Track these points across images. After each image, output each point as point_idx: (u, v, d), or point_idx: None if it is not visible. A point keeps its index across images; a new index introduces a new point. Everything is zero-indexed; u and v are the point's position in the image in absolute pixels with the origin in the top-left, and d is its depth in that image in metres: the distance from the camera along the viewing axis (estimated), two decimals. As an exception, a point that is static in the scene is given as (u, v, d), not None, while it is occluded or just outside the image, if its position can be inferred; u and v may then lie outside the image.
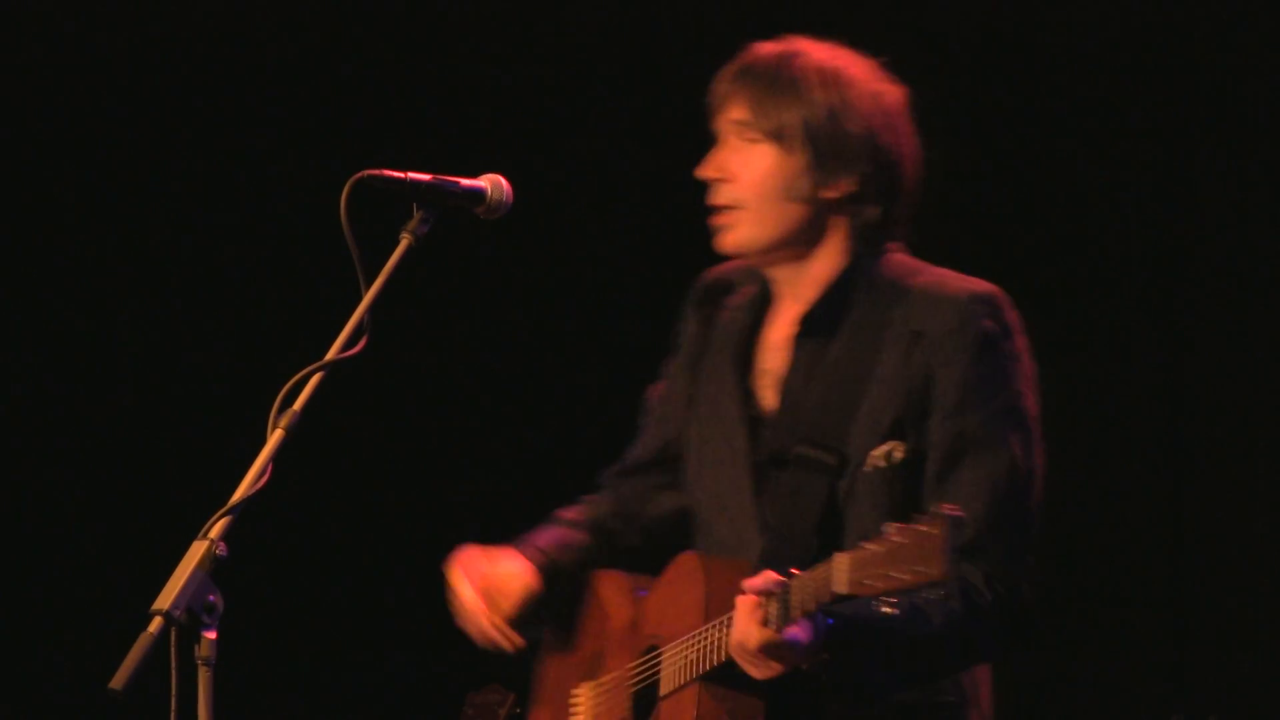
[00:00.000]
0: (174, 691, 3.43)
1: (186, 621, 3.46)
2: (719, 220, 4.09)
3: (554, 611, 4.29)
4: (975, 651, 3.91)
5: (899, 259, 4.10)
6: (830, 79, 4.05)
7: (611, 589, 4.23)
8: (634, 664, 4.05)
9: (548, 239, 6.67)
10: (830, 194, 4.05)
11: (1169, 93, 6.55)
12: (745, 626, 3.69)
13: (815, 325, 4.05)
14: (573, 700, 4.19)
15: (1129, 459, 6.57)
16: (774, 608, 3.66)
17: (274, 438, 3.71)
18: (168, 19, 6.95)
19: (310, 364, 3.80)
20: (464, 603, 4.23)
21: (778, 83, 4.03)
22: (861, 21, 6.75)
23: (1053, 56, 6.63)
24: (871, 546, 3.55)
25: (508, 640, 4.23)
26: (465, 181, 4.03)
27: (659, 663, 3.97)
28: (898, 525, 3.51)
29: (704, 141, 6.92)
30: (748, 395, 4.11)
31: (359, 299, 3.85)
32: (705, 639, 3.85)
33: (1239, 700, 6.36)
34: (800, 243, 4.07)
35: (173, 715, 3.45)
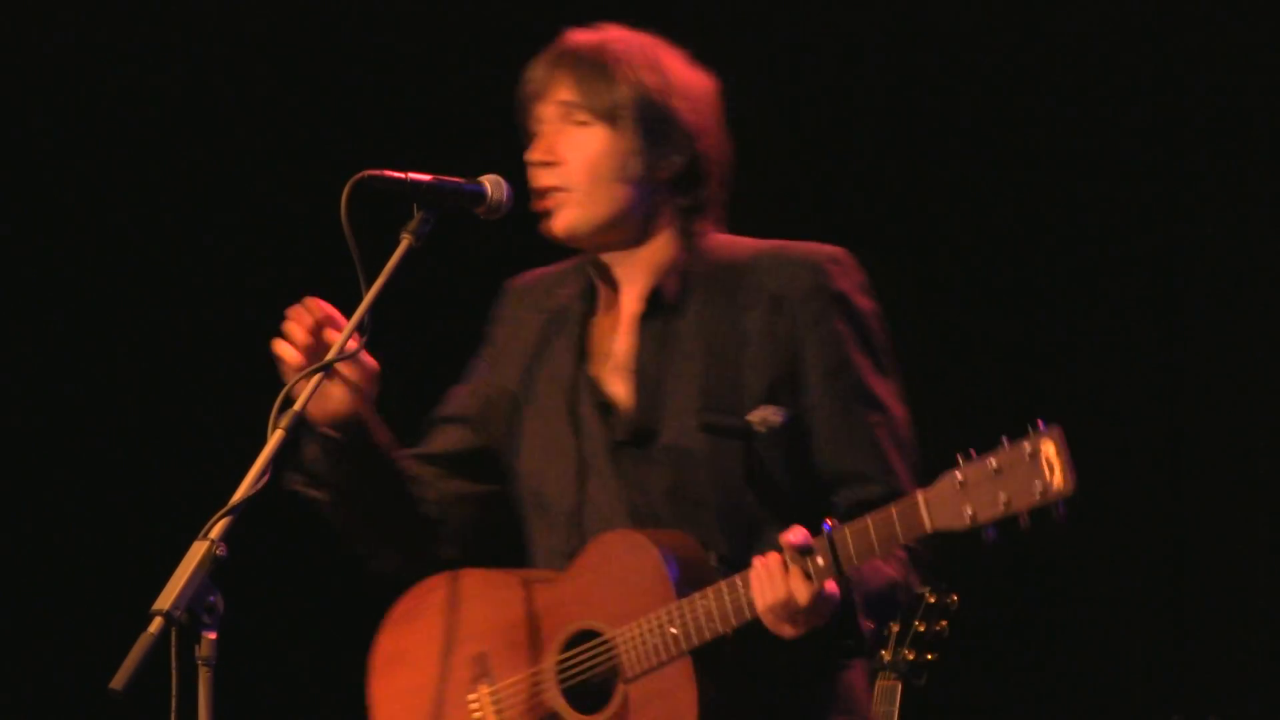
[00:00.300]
0: (174, 692, 3.43)
1: (187, 622, 3.46)
2: (548, 204, 4.06)
3: (331, 469, 4.12)
4: (905, 600, 3.96)
5: (724, 236, 4.13)
6: (652, 62, 4.08)
7: (475, 586, 4.12)
8: (559, 657, 3.96)
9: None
10: (661, 174, 4.06)
11: (1169, 93, 6.55)
12: (790, 584, 3.69)
13: (661, 304, 4.06)
14: (472, 707, 4.06)
15: (1129, 459, 6.57)
16: (819, 561, 3.68)
17: (274, 438, 3.71)
18: (168, 19, 6.96)
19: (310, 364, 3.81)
20: (314, 314, 4.05)
21: (604, 65, 4.05)
22: (877, 15, 6.77)
23: (1052, 56, 6.64)
24: (948, 481, 3.58)
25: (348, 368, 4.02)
26: (466, 182, 4.04)
27: (611, 648, 3.90)
28: (970, 455, 3.57)
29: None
30: (592, 384, 4.10)
31: (359, 299, 3.86)
32: (692, 611, 3.81)
33: (1239, 700, 6.36)
34: (631, 224, 4.07)
35: (173, 715, 3.45)
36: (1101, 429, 6.60)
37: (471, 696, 4.07)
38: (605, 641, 3.91)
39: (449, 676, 4.10)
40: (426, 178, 3.99)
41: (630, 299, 4.10)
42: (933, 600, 5.55)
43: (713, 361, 3.99)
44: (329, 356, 3.85)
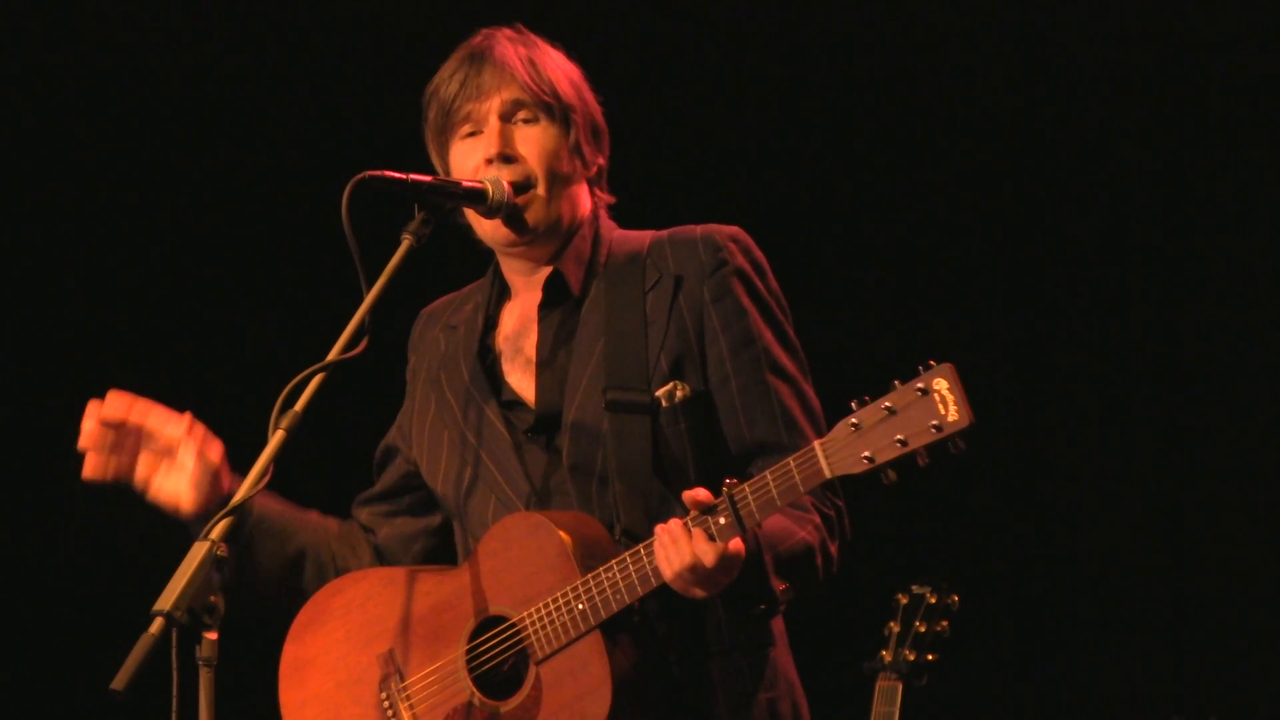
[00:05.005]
0: (175, 692, 3.43)
1: (187, 622, 3.46)
2: (518, 200, 4.07)
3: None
4: (825, 568, 3.96)
5: (612, 224, 4.19)
6: (567, 63, 4.16)
7: (377, 586, 4.14)
8: (467, 646, 3.97)
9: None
10: (592, 170, 4.15)
11: (1169, 92, 6.56)
12: (695, 547, 3.70)
13: (560, 293, 4.10)
14: (385, 704, 4.07)
15: (1129, 459, 6.57)
16: (722, 520, 3.70)
17: (275, 438, 3.71)
18: (171, 20, 6.96)
19: (311, 365, 3.81)
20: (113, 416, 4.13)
21: (542, 64, 4.10)
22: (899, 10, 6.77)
23: (1054, 57, 6.65)
24: (843, 427, 3.59)
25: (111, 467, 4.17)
26: (466, 182, 4.04)
27: (520, 631, 3.90)
28: (864, 401, 3.57)
29: (698, 139, 6.96)
30: (498, 384, 4.14)
31: (360, 299, 3.86)
32: (598, 585, 3.82)
33: (1239, 700, 6.36)
34: (574, 220, 4.12)
35: (174, 715, 3.45)
36: (1101, 428, 6.61)
37: (383, 695, 4.07)
38: (513, 625, 3.91)
39: (358, 677, 4.11)
40: (427, 178, 3.99)
41: (538, 293, 4.14)
42: (933, 601, 5.55)
43: (616, 342, 4.01)
44: (330, 356, 3.85)
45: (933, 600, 5.55)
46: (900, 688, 5.49)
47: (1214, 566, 6.46)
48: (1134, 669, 6.54)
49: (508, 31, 4.15)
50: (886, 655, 5.52)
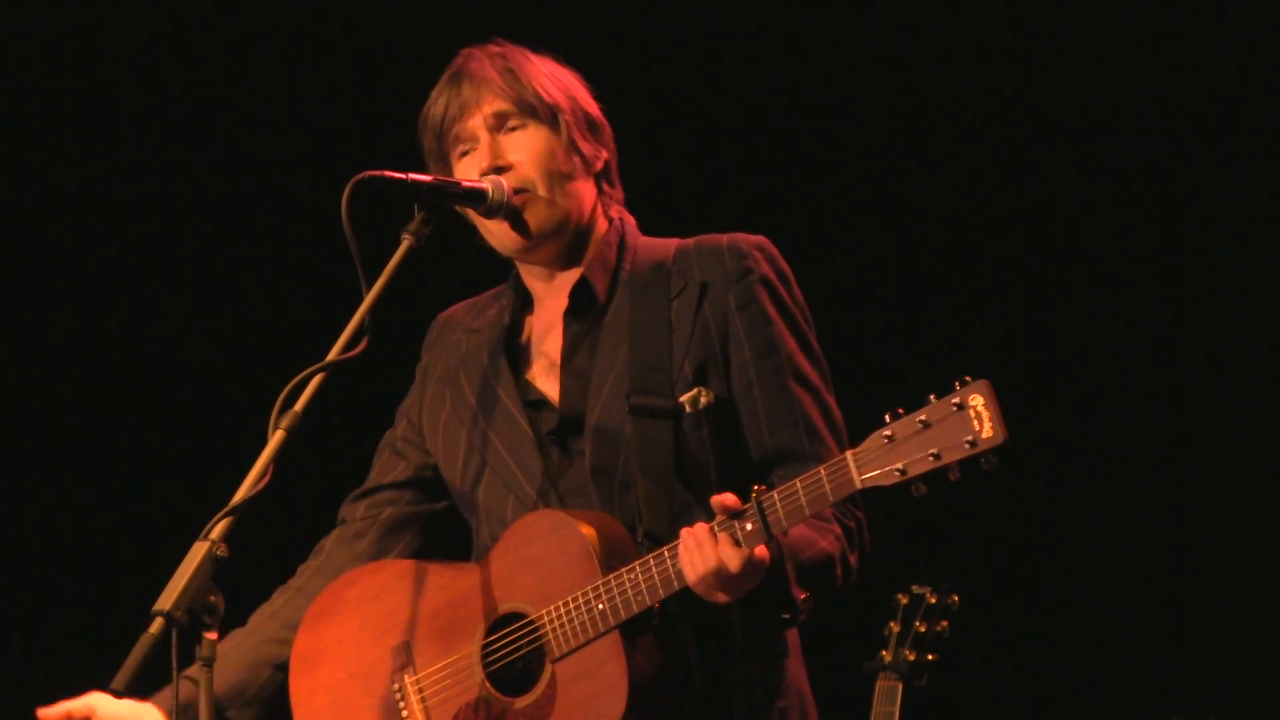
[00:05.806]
0: (175, 692, 3.44)
1: (187, 622, 3.47)
2: (515, 201, 4.08)
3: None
4: (845, 579, 3.98)
5: (638, 232, 4.21)
6: (554, 66, 4.18)
7: (393, 578, 4.14)
8: (484, 641, 3.97)
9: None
10: (597, 167, 4.15)
11: (1169, 92, 6.56)
12: (720, 552, 3.71)
13: (587, 299, 4.12)
14: (397, 696, 4.07)
15: (1128, 460, 6.57)
16: (748, 526, 3.71)
17: (275, 438, 3.71)
18: (170, 19, 6.96)
19: (311, 365, 3.81)
20: None
21: (521, 70, 4.12)
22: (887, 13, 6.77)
23: (1055, 57, 6.65)
24: (876, 438, 3.60)
25: None
26: (466, 182, 4.04)
27: (538, 628, 3.90)
28: (898, 414, 3.59)
29: (723, 149, 6.96)
30: (520, 385, 4.15)
31: (360, 300, 3.86)
32: (620, 586, 3.83)
33: (1239, 700, 6.36)
34: (581, 219, 4.13)
35: (174, 715, 3.46)
36: (1101, 429, 6.61)
37: (394, 687, 4.08)
38: (530, 622, 3.92)
39: (371, 669, 4.11)
40: (427, 178, 4.00)
41: (562, 299, 4.15)
42: (933, 601, 5.55)
43: (640, 347, 4.03)
44: (330, 356, 3.85)
45: (933, 600, 5.55)
46: (900, 688, 5.49)
47: (1214, 566, 6.47)
48: (1134, 669, 6.55)
49: (488, 47, 4.18)
50: (886, 655, 5.53)
